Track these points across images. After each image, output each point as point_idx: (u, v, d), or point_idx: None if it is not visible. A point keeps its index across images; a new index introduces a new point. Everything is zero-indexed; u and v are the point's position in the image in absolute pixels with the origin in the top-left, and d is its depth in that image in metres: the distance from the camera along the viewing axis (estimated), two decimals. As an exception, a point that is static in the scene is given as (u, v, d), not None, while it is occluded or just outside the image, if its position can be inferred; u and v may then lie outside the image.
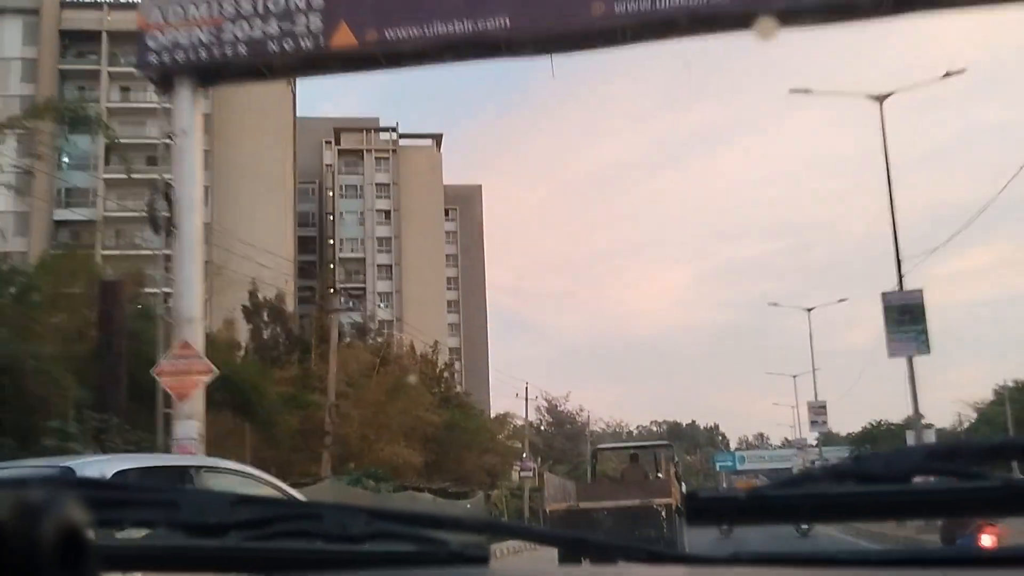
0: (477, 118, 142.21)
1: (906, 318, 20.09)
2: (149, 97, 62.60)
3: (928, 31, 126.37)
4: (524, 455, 38.43)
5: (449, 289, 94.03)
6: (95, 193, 58.94)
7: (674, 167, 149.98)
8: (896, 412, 70.33)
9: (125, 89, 62.05)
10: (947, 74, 23.21)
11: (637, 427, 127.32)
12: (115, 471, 4.95)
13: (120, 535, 1.15)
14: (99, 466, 5.04)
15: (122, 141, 61.44)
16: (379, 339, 43.53)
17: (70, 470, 4.84)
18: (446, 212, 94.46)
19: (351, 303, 78.19)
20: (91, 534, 0.68)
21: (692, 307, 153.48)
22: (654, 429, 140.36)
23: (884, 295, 20.49)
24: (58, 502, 0.65)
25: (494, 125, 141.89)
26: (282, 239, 61.11)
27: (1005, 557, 1.07)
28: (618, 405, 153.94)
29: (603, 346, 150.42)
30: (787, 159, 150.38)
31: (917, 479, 1.07)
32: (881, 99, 23.73)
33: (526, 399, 43.44)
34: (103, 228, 58.38)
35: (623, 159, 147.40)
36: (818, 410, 38.02)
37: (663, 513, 15.19)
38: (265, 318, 32.40)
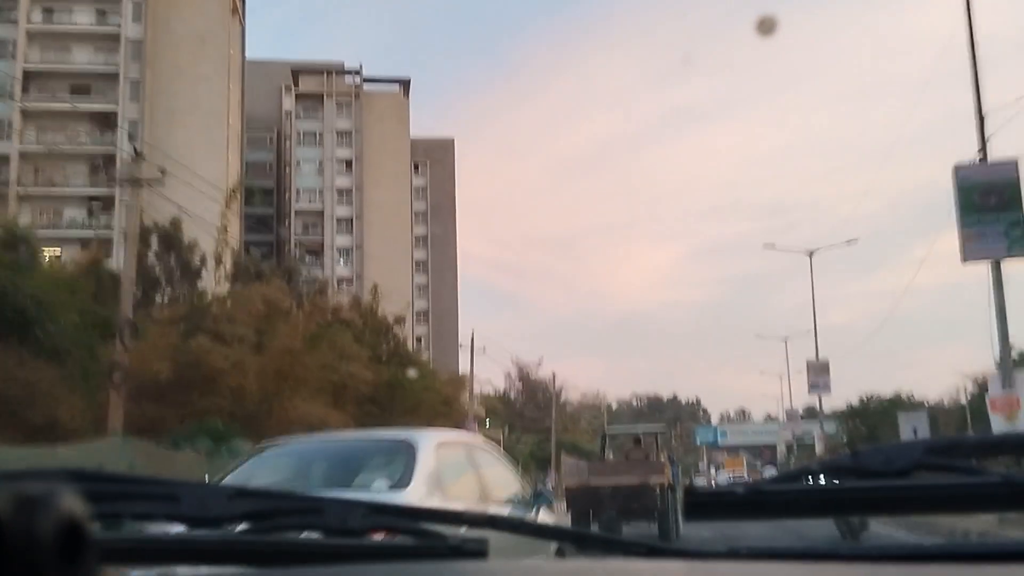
0: (459, 88, 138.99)
1: (992, 201, 14.54)
2: (75, 19, 56.42)
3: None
4: (467, 418, 32.88)
5: (417, 248, 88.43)
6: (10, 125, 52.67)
7: (660, 144, 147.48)
8: (884, 386, 68.06)
9: (48, 11, 55.61)
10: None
11: (617, 401, 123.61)
12: (437, 443, 6.22)
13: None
14: (430, 437, 6.32)
15: (45, 68, 55.49)
16: (311, 284, 37.76)
17: (409, 443, 6.05)
18: (415, 166, 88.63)
19: (310, 257, 72.55)
20: (91, 527, 0.67)
21: (677, 285, 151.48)
22: (634, 404, 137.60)
23: (958, 169, 14.65)
24: (57, 496, 0.64)
25: (478, 96, 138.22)
26: (224, 180, 55.19)
27: (1008, 552, 1.07)
28: (600, 380, 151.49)
29: (586, 322, 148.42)
30: (775, 138, 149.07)
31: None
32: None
33: (472, 348, 37.80)
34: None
35: (609, 135, 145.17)
36: (819, 370, 32.83)
37: (658, 490, 16.95)
38: (155, 247, 26.63)
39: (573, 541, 1.32)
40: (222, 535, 1.06)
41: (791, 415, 50.13)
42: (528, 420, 74.97)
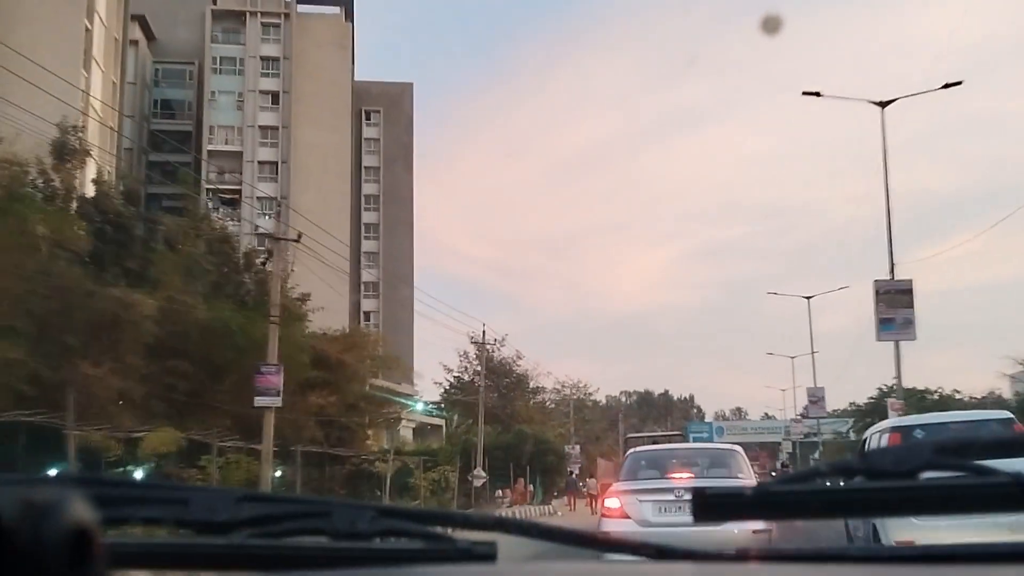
0: (454, 91, 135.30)
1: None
2: None
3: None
4: (267, 364, 20.20)
5: (368, 210, 76.04)
6: None
7: (656, 146, 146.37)
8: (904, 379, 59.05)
9: None
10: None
11: (606, 396, 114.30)
12: (742, 449, 11.14)
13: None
14: (737, 447, 11.25)
15: None
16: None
17: (735, 450, 11.05)
18: (367, 114, 76.29)
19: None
20: (99, 532, 0.68)
21: (673, 286, 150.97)
22: (623, 400, 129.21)
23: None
24: (65, 501, 0.65)
25: (473, 96, 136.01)
26: (84, 92, 42.84)
27: (1016, 553, 1.10)
28: (595, 381, 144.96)
29: (581, 323, 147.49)
30: (772, 140, 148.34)
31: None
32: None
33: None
34: None
35: (605, 136, 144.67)
36: (898, 296, 21.35)
37: None
38: None
39: (582, 543, 1.21)
40: (230, 540, 1.04)
41: (813, 394, 37.55)
42: (491, 410, 62.46)
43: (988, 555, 1.10)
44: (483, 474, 32.21)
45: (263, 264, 31.70)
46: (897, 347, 22.70)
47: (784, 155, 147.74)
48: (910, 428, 11.12)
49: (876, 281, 22.67)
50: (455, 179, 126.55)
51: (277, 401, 20.16)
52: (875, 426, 12.77)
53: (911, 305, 22.27)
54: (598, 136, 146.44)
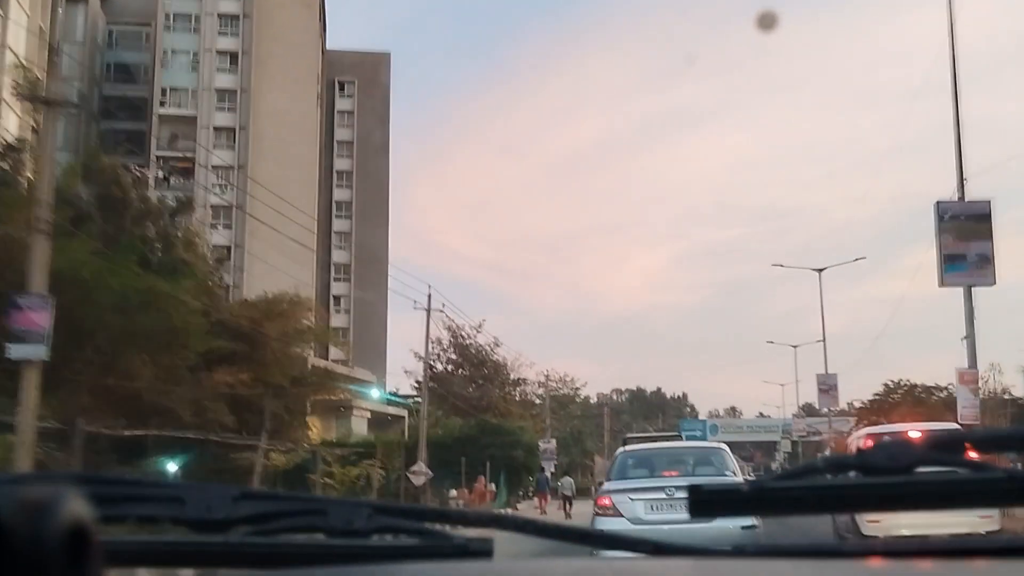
0: (450, 88, 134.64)
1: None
2: None
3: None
4: (26, 297, 14.75)
5: (340, 187, 71.12)
6: None
7: (653, 148, 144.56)
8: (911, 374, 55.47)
9: None
10: None
11: (598, 394, 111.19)
12: (726, 447, 11.63)
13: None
14: (723, 445, 11.67)
15: None
16: None
17: (722, 448, 11.61)
18: (341, 86, 71.38)
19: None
20: (96, 530, 0.69)
21: (669, 288, 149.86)
22: (615, 398, 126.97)
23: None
24: (63, 499, 0.65)
25: (470, 96, 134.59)
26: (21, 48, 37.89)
27: (1012, 547, 1.10)
28: (587, 378, 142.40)
29: (575, 323, 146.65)
30: (769, 143, 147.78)
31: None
32: None
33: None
34: None
35: (601, 138, 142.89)
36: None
37: None
38: None
39: (579, 540, 1.22)
40: (227, 537, 1.05)
41: (823, 382, 32.78)
42: (465, 399, 57.40)
43: (985, 550, 1.08)
44: (425, 470, 27.26)
45: (172, 216, 26.73)
46: (969, 295, 16.40)
47: (783, 156, 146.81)
48: (881, 434, 13.04)
49: (939, 203, 15.93)
50: (452, 178, 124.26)
51: (40, 351, 13.89)
52: (859, 431, 14.25)
53: (989, 236, 15.74)
54: (596, 136, 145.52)
